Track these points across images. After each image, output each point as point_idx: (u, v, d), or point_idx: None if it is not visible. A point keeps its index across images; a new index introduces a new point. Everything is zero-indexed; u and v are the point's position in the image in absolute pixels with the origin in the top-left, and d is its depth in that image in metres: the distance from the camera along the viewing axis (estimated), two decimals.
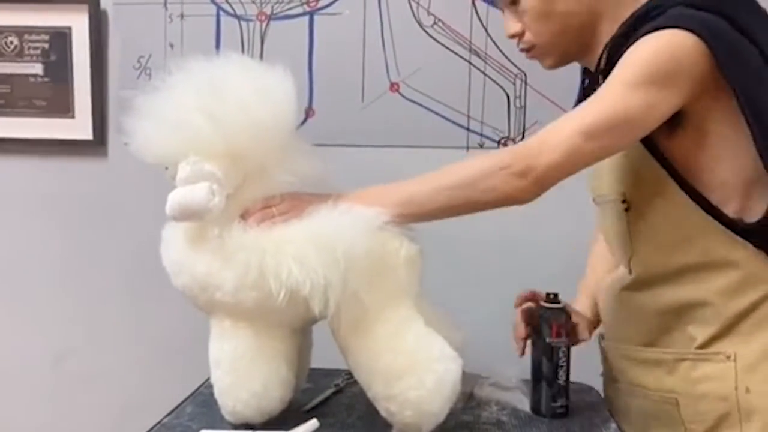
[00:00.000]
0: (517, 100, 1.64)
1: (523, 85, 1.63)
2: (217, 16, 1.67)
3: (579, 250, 1.60)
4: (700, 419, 1.02)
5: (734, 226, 0.98)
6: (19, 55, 1.72)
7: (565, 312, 1.10)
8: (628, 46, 0.97)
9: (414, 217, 0.99)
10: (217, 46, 1.67)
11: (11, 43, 1.72)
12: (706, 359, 1.01)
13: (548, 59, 1.10)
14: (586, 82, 1.14)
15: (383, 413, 0.99)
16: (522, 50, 1.10)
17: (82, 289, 1.76)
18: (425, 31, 1.63)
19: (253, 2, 1.66)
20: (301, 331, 1.08)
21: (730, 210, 0.98)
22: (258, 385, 1.00)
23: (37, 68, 1.72)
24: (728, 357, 1.00)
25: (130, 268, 1.71)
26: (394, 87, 1.66)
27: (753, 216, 0.98)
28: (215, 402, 1.03)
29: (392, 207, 0.97)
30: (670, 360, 1.05)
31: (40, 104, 1.73)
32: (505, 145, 1.64)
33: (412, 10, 1.63)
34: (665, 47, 0.94)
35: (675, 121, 0.97)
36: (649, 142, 1.00)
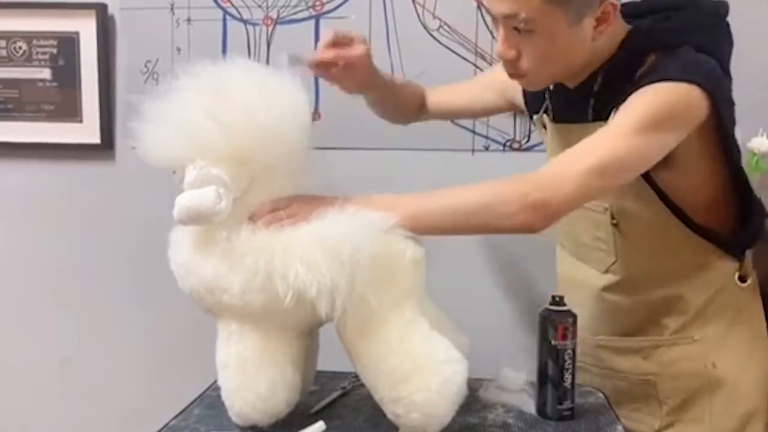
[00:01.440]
0: None
1: None
2: (224, 20, 1.68)
3: None
4: (674, 394, 1.18)
5: (708, 235, 1.14)
6: (27, 60, 1.73)
7: (571, 314, 1.10)
8: (632, 82, 1.05)
9: (421, 232, 1.01)
10: (224, 50, 1.67)
11: (20, 48, 1.73)
12: (678, 343, 1.18)
13: (534, 87, 1.17)
14: (550, 89, 1.19)
15: (390, 416, 1.00)
16: (510, 74, 1.11)
17: (88, 294, 1.77)
18: (431, 35, 1.63)
19: (260, 6, 1.67)
20: (308, 333, 1.08)
21: (701, 221, 1.13)
22: (265, 387, 1.00)
23: (46, 73, 1.73)
24: (696, 339, 1.17)
25: (138, 272, 1.72)
26: None
27: (723, 227, 1.15)
28: (222, 404, 1.04)
29: (401, 219, 0.98)
30: (646, 347, 1.20)
31: (48, 108, 1.74)
32: (511, 147, 1.64)
33: (418, 14, 1.63)
34: (675, 100, 1.02)
35: None
36: None
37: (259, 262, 0.94)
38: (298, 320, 1.01)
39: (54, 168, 1.76)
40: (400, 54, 1.64)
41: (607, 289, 1.22)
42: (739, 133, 1.55)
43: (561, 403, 1.09)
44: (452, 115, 1.51)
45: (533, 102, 1.27)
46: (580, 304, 1.16)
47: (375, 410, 1.03)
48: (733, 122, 1.10)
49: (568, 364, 1.09)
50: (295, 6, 1.66)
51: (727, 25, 1.13)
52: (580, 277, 1.25)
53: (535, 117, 1.27)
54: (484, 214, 1.01)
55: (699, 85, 1.02)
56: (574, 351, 1.10)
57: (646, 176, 1.09)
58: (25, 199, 1.78)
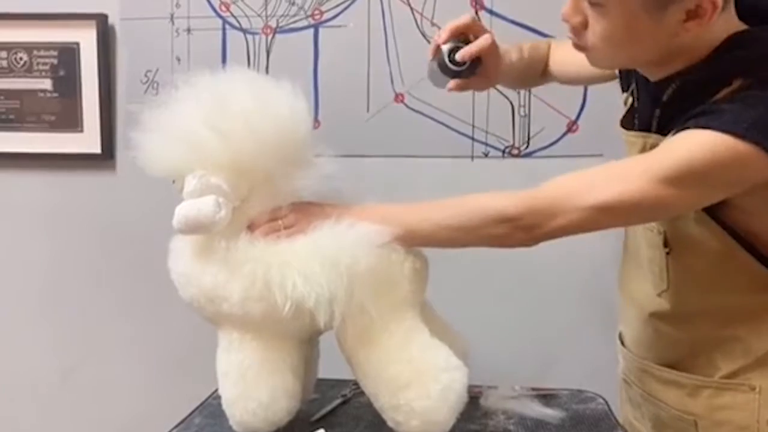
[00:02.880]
0: (522, 109, 1.65)
1: (527, 94, 1.63)
2: (223, 30, 1.69)
3: (586, 261, 1.61)
4: None
5: None
6: (28, 70, 1.74)
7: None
8: (705, 105, 0.88)
9: (413, 244, 1.00)
10: (224, 59, 1.68)
11: (21, 59, 1.74)
12: (730, 388, 1.01)
13: (598, 65, 1.01)
14: (636, 80, 1.03)
15: (390, 423, 1.00)
16: (573, 43, 0.97)
17: (89, 303, 1.78)
18: (429, 42, 1.63)
19: (259, 16, 1.67)
20: (308, 341, 1.09)
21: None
22: (265, 395, 1.00)
23: (46, 83, 1.74)
24: (753, 388, 0.99)
25: (139, 281, 1.72)
26: (398, 98, 1.67)
27: None
28: (223, 413, 1.04)
29: (396, 231, 0.97)
30: (692, 384, 1.04)
31: (49, 119, 1.75)
32: (510, 154, 1.64)
33: (416, 22, 1.64)
34: (726, 158, 0.85)
35: None
36: None
37: (257, 272, 0.94)
38: (298, 329, 1.01)
39: (55, 178, 1.77)
40: (399, 62, 1.64)
41: (656, 315, 1.07)
42: None
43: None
44: (568, 80, 1.28)
45: (625, 79, 1.09)
46: (629, 319, 1.13)
47: (375, 418, 1.03)
48: None
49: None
50: (294, 15, 1.67)
51: None
52: (636, 292, 1.11)
53: (625, 94, 1.09)
54: (472, 233, 0.97)
55: (759, 144, 0.83)
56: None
57: (708, 209, 0.94)
58: (27, 209, 1.78)
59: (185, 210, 0.95)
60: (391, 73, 1.65)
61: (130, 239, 1.74)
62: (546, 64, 1.26)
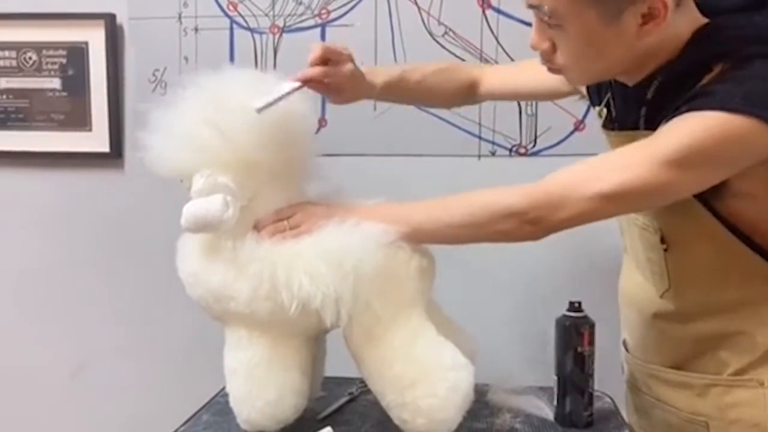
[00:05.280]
0: (529, 108, 1.64)
1: None
2: (231, 29, 1.69)
3: (594, 257, 1.60)
4: None
5: None
6: (37, 70, 1.75)
7: (590, 320, 1.09)
8: (692, 92, 0.89)
9: (422, 242, 1.01)
10: (231, 58, 1.69)
11: (30, 58, 1.75)
12: (739, 385, 1.00)
13: (576, 82, 1.06)
14: (612, 85, 1.05)
15: (396, 421, 1.00)
16: (546, 67, 1.00)
17: (98, 301, 1.78)
18: (436, 41, 1.64)
19: (266, 15, 1.68)
20: (315, 340, 1.09)
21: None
22: (272, 393, 1.01)
23: (55, 83, 1.75)
24: (761, 384, 0.99)
25: (147, 279, 1.73)
26: None
27: None
28: (231, 411, 1.04)
29: (403, 230, 0.98)
30: (701, 384, 1.03)
31: (57, 118, 1.76)
32: (518, 152, 1.64)
33: (423, 21, 1.64)
34: (727, 135, 0.86)
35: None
36: None
37: (264, 272, 0.95)
38: (305, 327, 1.02)
39: (64, 177, 1.78)
40: (406, 61, 1.64)
41: (659, 316, 1.07)
42: None
43: (586, 410, 1.08)
44: (513, 97, 1.36)
45: (596, 93, 1.11)
46: (632, 324, 1.13)
47: (382, 416, 1.03)
48: None
49: (591, 369, 1.07)
50: (302, 14, 1.67)
51: None
52: (638, 295, 1.11)
53: (597, 108, 1.10)
54: (478, 229, 0.98)
55: (760, 118, 0.84)
56: (593, 355, 1.08)
57: (702, 200, 0.95)
58: (36, 207, 1.79)
59: (193, 209, 0.95)
60: None
61: (138, 238, 1.74)
62: (468, 85, 1.30)
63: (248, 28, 1.69)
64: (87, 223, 1.77)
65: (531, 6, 0.94)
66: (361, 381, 1.18)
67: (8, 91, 1.77)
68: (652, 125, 0.95)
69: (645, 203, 0.96)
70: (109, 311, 1.78)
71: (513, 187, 0.97)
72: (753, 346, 1.00)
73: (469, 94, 1.31)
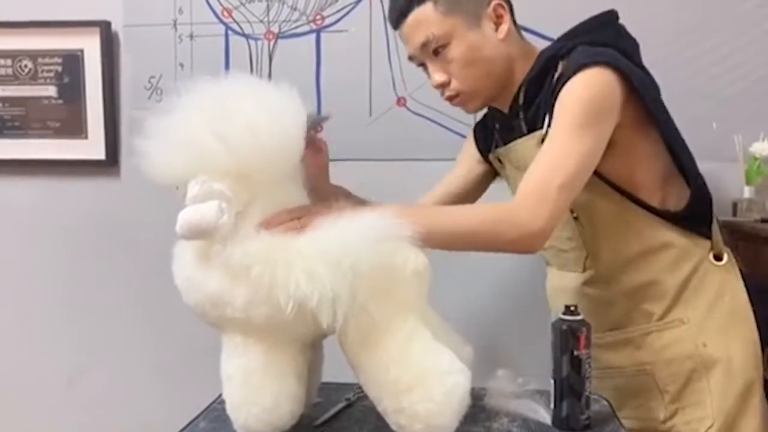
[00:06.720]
0: None
1: None
2: (226, 35, 1.70)
3: None
4: (673, 380, 1.20)
5: (663, 215, 1.17)
6: (33, 78, 1.75)
7: (586, 323, 1.09)
8: (551, 87, 1.12)
9: (426, 246, 1.00)
10: (227, 65, 1.69)
11: (25, 66, 1.75)
12: (667, 328, 1.20)
13: (472, 104, 1.22)
14: (496, 126, 1.28)
15: (393, 426, 1.00)
16: (448, 98, 1.20)
17: (95, 308, 1.78)
18: None
19: (261, 21, 1.68)
20: (312, 345, 1.09)
21: (655, 203, 1.17)
22: (269, 400, 1.01)
23: (51, 90, 1.75)
24: (683, 322, 1.19)
25: (143, 286, 1.73)
26: (400, 101, 1.67)
27: (676, 206, 1.18)
28: (228, 417, 1.04)
29: (414, 228, 0.98)
30: (637, 336, 1.22)
31: (53, 125, 1.76)
32: None
33: None
34: (596, 85, 1.07)
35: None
36: None
37: (260, 276, 0.94)
38: (302, 332, 1.02)
39: (60, 184, 1.78)
40: (401, 66, 1.65)
41: (586, 283, 1.25)
42: (739, 138, 1.56)
43: (583, 413, 1.08)
44: (455, 203, 1.42)
45: (485, 142, 1.34)
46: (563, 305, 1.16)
47: (379, 421, 1.03)
48: (658, 102, 1.14)
49: (588, 372, 1.07)
50: (296, 20, 1.68)
51: (621, 25, 1.20)
52: (565, 284, 1.29)
53: (491, 156, 1.32)
54: (476, 246, 1.09)
55: (608, 64, 1.07)
56: (590, 358, 1.09)
57: (597, 171, 1.12)
58: (32, 214, 1.79)
59: (188, 215, 0.95)
60: (392, 76, 1.66)
61: (134, 245, 1.75)
62: None
63: (243, 35, 1.69)
64: (83, 231, 1.78)
65: (424, 45, 1.15)
66: (358, 387, 1.18)
67: (4, 100, 1.77)
68: (534, 126, 1.16)
69: (588, 171, 1.08)
70: (105, 318, 1.78)
71: (501, 204, 1.09)
72: (665, 292, 1.20)
73: None
